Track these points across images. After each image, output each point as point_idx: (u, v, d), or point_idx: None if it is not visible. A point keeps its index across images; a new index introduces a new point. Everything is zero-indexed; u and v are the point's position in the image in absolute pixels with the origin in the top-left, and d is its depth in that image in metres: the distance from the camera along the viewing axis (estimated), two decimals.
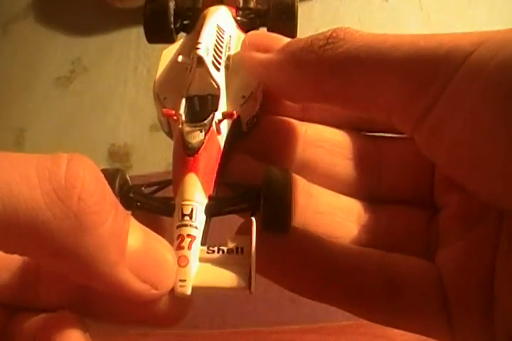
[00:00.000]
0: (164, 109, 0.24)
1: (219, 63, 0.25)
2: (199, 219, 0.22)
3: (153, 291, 0.19)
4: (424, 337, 0.23)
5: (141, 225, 0.19)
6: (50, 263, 0.17)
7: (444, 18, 0.76)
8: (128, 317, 0.20)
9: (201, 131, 0.23)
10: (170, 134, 0.25)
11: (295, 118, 0.27)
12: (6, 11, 0.93)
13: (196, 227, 0.21)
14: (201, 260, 0.21)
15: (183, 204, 0.22)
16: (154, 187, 0.25)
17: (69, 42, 0.87)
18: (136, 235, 0.18)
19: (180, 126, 0.23)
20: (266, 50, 0.23)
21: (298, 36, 0.25)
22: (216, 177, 0.23)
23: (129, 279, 0.18)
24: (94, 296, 0.20)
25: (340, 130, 0.27)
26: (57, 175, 0.16)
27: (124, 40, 0.84)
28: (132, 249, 0.18)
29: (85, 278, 0.18)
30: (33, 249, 0.16)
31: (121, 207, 0.18)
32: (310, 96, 0.22)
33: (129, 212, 0.19)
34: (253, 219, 0.21)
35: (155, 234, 0.19)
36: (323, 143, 0.26)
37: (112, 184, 0.23)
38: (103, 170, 0.24)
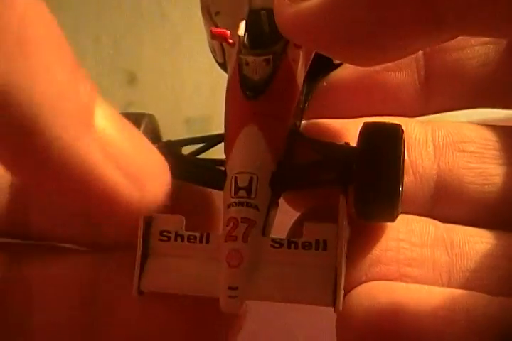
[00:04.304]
0: (214, 28, 0.18)
1: None
2: (261, 195, 0.16)
3: (134, 192, 0.14)
4: None
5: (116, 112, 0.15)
6: None
7: None
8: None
9: (268, 63, 0.17)
10: (225, 66, 0.19)
11: (404, 116, 0.20)
12: None
13: (257, 207, 0.16)
14: (263, 258, 0.16)
15: (238, 173, 0.16)
16: (197, 147, 0.19)
17: None
18: (108, 115, 0.14)
19: (237, 54, 0.17)
20: None
21: None
22: (289, 133, 0.17)
23: (100, 161, 0.13)
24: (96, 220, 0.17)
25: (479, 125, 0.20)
26: None
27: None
28: (102, 128, 0.14)
29: (40, 152, 0.13)
30: None
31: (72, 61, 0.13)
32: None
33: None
34: (342, 196, 0.16)
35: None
36: (466, 145, 0.19)
37: None
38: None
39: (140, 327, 0.18)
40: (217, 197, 0.18)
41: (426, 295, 0.17)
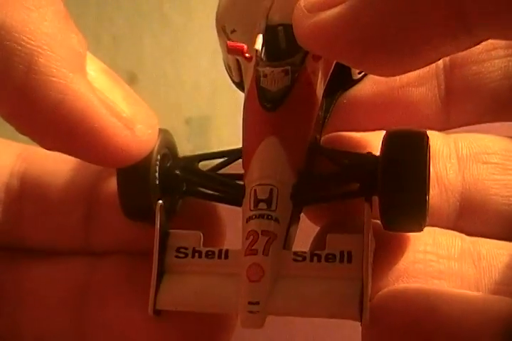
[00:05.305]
0: (230, 42, 0.17)
1: None
2: (282, 207, 0.16)
3: (124, 130, 0.15)
4: None
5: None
6: None
7: None
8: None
9: (286, 74, 0.16)
10: (242, 85, 0.19)
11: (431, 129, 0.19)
12: None
13: (277, 220, 0.15)
14: (284, 272, 0.15)
15: (258, 185, 0.16)
16: (215, 163, 0.18)
17: None
18: (99, 67, 0.16)
19: (254, 67, 0.17)
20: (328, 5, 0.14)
21: None
22: (309, 145, 0.17)
23: (93, 102, 0.14)
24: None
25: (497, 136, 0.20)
26: None
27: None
28: (94, 77, 0.15)
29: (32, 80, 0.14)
30: None
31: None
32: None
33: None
34: (367, 205, 0.15)
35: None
36: (490, 157, 0.19)
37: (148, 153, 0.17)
38: None
39: (128, 332, 0.18)
40: (233, 213, 0.18)
41: (458, 298, 0.16)
